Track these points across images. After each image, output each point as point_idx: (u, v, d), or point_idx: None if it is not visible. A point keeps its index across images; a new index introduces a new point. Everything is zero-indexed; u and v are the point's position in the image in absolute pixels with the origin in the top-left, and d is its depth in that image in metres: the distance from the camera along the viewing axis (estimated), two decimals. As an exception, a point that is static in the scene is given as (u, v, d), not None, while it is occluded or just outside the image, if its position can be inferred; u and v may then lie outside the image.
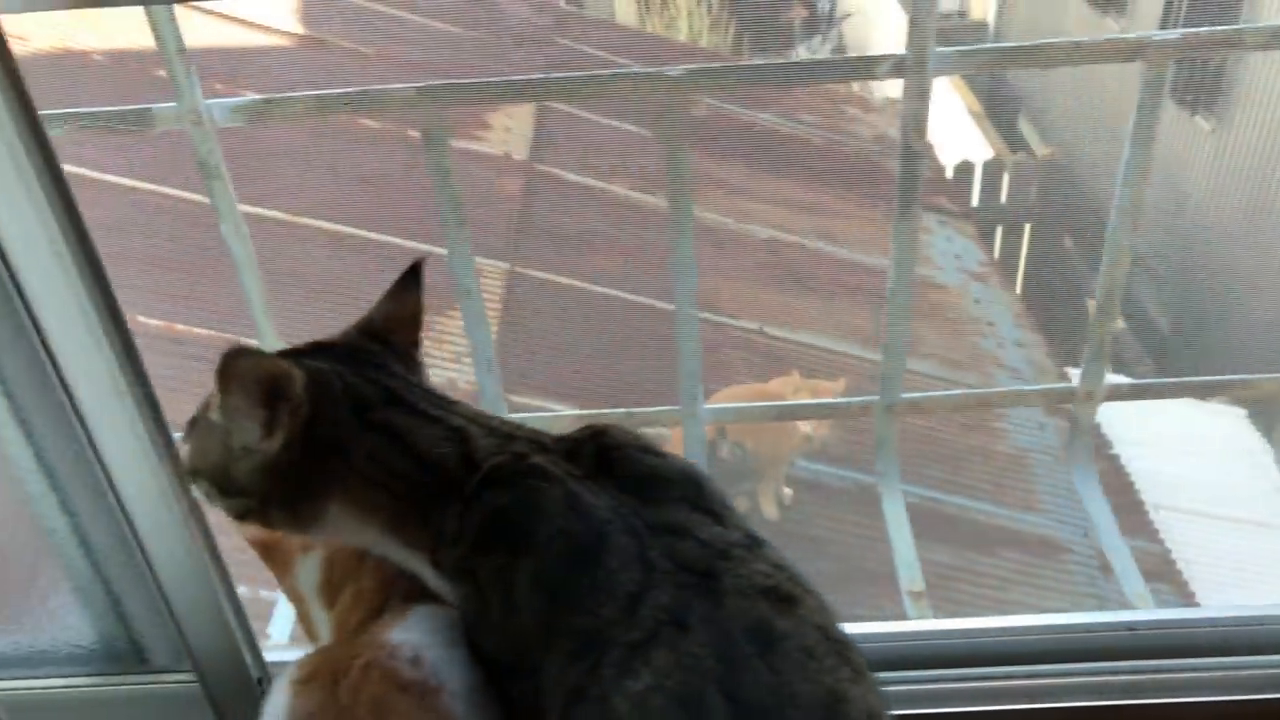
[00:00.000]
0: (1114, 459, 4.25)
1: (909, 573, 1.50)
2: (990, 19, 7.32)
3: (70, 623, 1.10)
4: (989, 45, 1.18)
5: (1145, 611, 1.24)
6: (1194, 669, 1.17)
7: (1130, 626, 1.21)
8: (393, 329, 0.86)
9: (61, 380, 0.90)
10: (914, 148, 1.31)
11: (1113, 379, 1.57)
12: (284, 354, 0.83)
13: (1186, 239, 5.49)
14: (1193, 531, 4.04)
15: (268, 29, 4.24)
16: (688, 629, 0.68)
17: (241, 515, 0.84)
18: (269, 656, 1.16)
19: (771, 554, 0.75)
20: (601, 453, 0.77)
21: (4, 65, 0.76)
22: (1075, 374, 5.31)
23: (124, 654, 1.13)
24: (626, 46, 5.51)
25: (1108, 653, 1.20)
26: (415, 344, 0.87)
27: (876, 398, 1.57)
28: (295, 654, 1.24)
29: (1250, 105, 5.35)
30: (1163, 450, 4.20)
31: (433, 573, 0.82)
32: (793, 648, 0.69)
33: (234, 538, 1.12)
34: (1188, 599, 3.81)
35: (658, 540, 0.72)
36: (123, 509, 0.99)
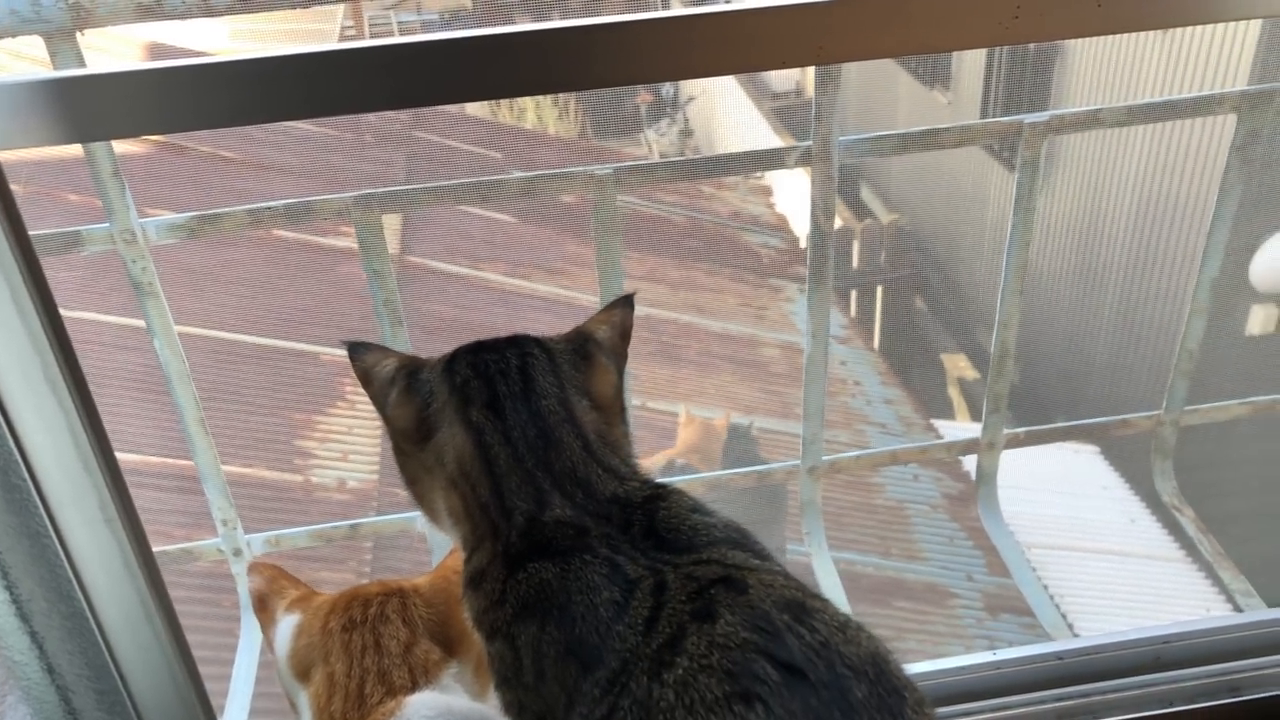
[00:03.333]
0: (985, 503, 4.47)
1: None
2: (825, 96, 7.71)
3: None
4: (891, 132, 1.31)
5: (1069, 641, 1.34)
6: (1121, 689, 1.28)
7: (1059, 656, 1.32)
8: (600, 336, 0.86)
9: (46, 508, 0.90)
10: (822, 229, 1.41)
11: (1010, 430, 1.69)
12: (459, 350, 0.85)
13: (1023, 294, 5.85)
14: (1063, 565, 4.27)
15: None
16: (715, 617, 0.67)
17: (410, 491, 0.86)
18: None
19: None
20: (650, 511, 0.76)
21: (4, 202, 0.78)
22: (941, 425, 5.51)
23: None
24: (484, 138, 5.60)
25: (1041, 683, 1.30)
26: (620, 355, 0.87)
27: (798, 463, 1.65)
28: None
29: (1070, 167, 5.80)
30: (1029, 490, 4.44)
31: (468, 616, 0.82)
32: (828, 618, 0.68)
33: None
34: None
35: (681, 572, 0.71)
36: (103, 635, 0.98)
